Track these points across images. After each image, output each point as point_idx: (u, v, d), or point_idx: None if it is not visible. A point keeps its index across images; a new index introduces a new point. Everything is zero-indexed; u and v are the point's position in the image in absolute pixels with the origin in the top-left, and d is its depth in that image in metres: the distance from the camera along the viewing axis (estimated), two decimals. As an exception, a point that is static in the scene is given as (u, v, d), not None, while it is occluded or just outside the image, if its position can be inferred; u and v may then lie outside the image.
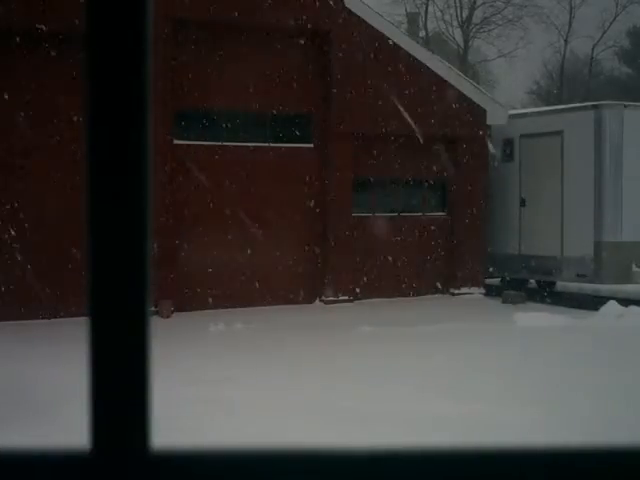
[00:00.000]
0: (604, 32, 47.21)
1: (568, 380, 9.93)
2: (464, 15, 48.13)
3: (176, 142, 15.77)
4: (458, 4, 48.02)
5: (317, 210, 17.01)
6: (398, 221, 17.93)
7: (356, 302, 16.90)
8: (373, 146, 17.40)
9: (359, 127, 16.99)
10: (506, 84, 48.61)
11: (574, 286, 18.53)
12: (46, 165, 14.71)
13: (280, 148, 16.77)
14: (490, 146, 18.56)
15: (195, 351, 11.68)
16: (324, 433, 7.45)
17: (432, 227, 18.29)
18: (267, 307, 16.03)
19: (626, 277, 16.94)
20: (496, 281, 19.16)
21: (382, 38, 17.27)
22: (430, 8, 48.20)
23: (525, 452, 1.11)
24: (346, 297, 16.92)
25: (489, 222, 18.58)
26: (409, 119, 17.28)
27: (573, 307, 16.34)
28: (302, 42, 16.77)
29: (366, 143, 17.25)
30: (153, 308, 14.00)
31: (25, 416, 8.09)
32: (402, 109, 17.21)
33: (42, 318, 14.41)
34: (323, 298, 16.91)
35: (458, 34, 48.52)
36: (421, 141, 17.66)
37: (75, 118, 14.24)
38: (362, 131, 17.06)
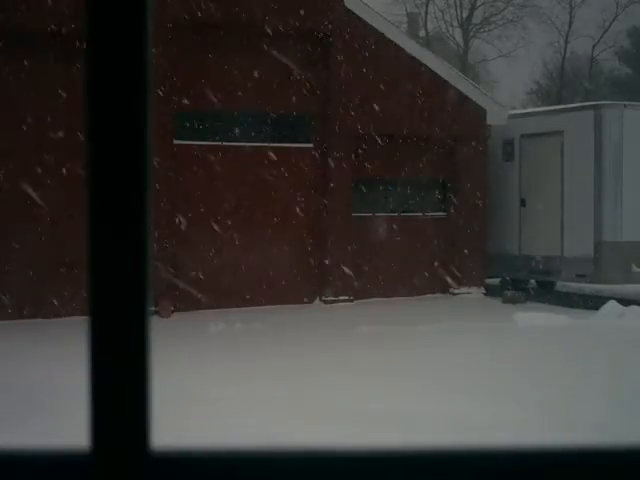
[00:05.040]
0: (604, 32, 47.20)
1: (568, 380, 9.93)
2: (464, 15, 48.14)
3: (176, 142, 15.77)
4: (458, 4, 48.03)
5: (317, 210, 17.01)
6: (398, 221, 17.92)
7: (356, 302, 16.89)
8: (373, 146, 17.39)
9: (359, 127, 16.98)
10: (506, 84, 48.61)
11: (574, 286, 18.52)
12: (46, 164, 14.70)
13: (280, 148, 16.77)
14: (490, 146, 18.57)
15: (195, 351, 11.67)
16: (322, 433, 7.45)
17: (432, 227, 18.28)
18: (267, 307, 16.02)
19: (626, 277, 16.92)
20: (496, 281, 19.16)
21: (382, 38, 17.27)
22: (430, 8, 48.23)
23: (524, 452, 1.11)
24: (346, 297, 16.91)
25: (489, 222, 18.56)
26: (409, 119, 17.30)
27: (573, 307, 16.33)
28: (302, 42, 16.76)
29: (366, 143, 17.24)
30: (153, 308, 14.00)
31: (25, 416, 8.09)
32: (402, 109, 17.22)
33: (42, 318, 14.41)
34: (323, 298, 16.91)
35: (458, 34, 48.55)
36: (421, 141, 17.69)
37: (75, 118, 14.23)
38: (362, 131, 17.04)
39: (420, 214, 18.29)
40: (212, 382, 9.69)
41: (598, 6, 45.38)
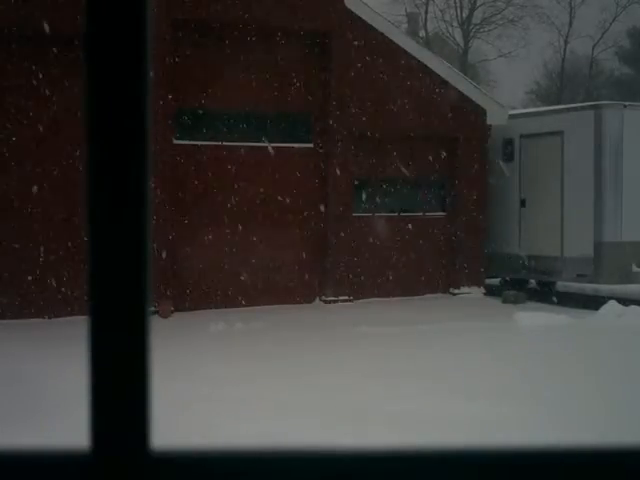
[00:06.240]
0: (604, 32, 47.25)
1: (568, 379, 9.93)
2: (464, 15, 48.15)
3: (176, 142, 15.77)
4: (458, 4, 48.06)
5: (317, 210, 17.01)
6: (398, 221, 17.92)
7: (356, 302, 16.89)
8: (373, 146, 17.39)
9: (359, 127, 16.98)
10: (506, 84, 48.62)
11: (574, 286, 18.53)
12: (47, 164, 14.70)
13: (280, 148, 16.76)
14: (490, 146, 18.57)
15: (195, 351, 11.67)
16: (322, 433, 7.45)
17: (432, 227, 18.28)
18: (267, 307, 16.02)
19: (626, 277, 16.92)
20: (496, 281, 19.16)
21: (382, 38, 17.27)
22: (430, 8, 48.28)
23: (524, 452, 1.11)
24: (346, 297, 16.91)
25: (489, 222, 18.57)
26: (409, 119, 17.30)
27: (573, 307, 16.33)
28: (302, 42, 16.76)
29: (366, 143, 17.24)
30: (153, 308, 14.00)
31: (25, 416, 8.09)
32: (402, 109, 17.22)
33: (42, 317, 14.41)
34: (323, 298, 16.91)
35: (458, 34, 48.58)
36: (421, 141, 17.69)
37: (75, 118, 14.23)
38: (362, 131, 17.05)
39: (420, 214, 18.28)
40: (212, 382, 9.68)
41: (598, 6, 45.44)
